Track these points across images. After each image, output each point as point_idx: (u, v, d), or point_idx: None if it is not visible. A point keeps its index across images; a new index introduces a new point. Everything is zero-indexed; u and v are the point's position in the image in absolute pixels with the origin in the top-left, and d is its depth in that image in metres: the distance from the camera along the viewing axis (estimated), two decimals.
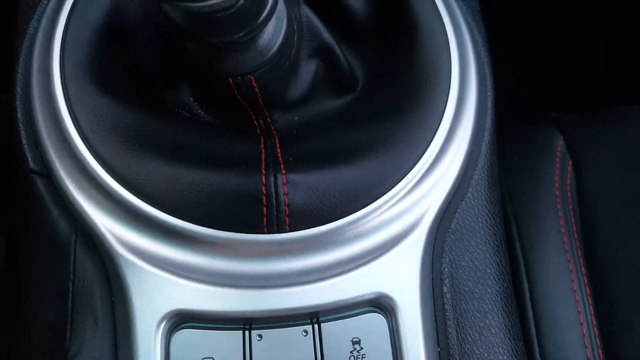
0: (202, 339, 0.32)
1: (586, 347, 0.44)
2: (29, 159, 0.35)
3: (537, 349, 0.44)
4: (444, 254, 0.36)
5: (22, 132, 0.36)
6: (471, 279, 0.36)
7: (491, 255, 0.37)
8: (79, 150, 0.34)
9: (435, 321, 0.34)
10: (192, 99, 0.39)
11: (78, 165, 0.34)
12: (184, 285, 0.32)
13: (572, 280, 0.46)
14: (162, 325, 0.32)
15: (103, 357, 0.32)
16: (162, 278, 0.32)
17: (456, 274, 0.36)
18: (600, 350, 0.44)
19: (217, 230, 0.33)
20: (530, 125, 0.56)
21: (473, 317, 0.35)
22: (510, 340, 0.35)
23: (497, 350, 0.35)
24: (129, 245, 0.33)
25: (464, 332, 0.35)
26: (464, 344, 0.34)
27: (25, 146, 0.35)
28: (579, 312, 0.45)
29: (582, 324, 0.45)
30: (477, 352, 0.34)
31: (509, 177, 0.51)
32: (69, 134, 0.34)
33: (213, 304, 0.32)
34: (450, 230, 0.37)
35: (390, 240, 0.34)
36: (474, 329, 0.35)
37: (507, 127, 0.55)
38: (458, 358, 0.34)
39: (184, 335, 0.32)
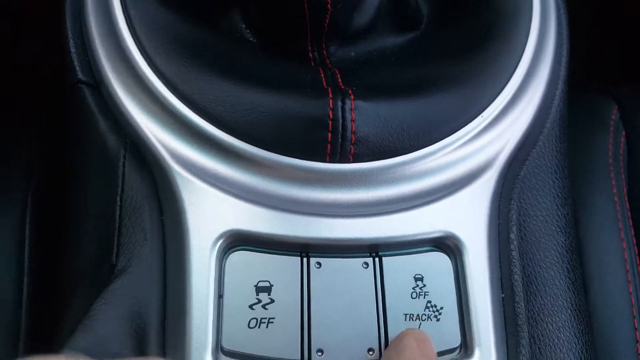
0: (259, 262, 0.30)
1: (634, 316, 0.42)
2: (77, 68, 0.33)
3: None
4: (512, 201, 0.34)
5: (71, 40, 0.34)
6: (538, 229, 0.34)
7: (559, 207, 0.35)
8: (134, 58, 0.32)
9: (500, 268, 0.32)
10: (244, 26, 0.36)
11: (132, 74, 0.32)
12: (241, 206, 0.30)
13: (624, 250, 0.44)
14: (218, 244, 0.30)
15: (152, 273, 0.30)
16: (219, 197, 0.30)
17: (524, 222, 0.34)
18: None
19: (277, 154, 0.31)
20: (584, 92, 0.54)
21: (539, 267, 0.33)
22: (573, 293, 0.34)
23: (561, 303, 0.33)
24: (184, 161, 0.31)
25: (529, 280, 0.33)
26: (529, 292, 0.33)
27: (74, 55, 0.33)
28: (629, 282, 0.43)
29: (631, 293, 0.43)
30: (541, 301, 0.33)
31: None
32: (124, 41, 0.32)
33: (271, 227, 0.30)
34: (519, 177, 0.35)
35: (459, 180, 0.33)
36: (539, 278, 0.33)
37: None
38: (523, 305, 0.32)
39: (240, 257, 0.30)
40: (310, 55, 0.36)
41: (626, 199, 0.47)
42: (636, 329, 0.42)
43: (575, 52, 0.44)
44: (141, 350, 0.29)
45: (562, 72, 0.38)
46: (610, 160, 0.49)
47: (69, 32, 0.34)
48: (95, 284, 0.30)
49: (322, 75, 0.33)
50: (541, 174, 0.35)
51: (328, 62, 0.36)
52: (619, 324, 0.42)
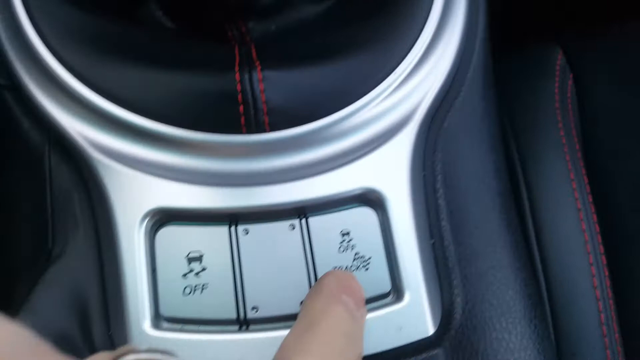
0: (188, 235, 0.31)
1: (589, 252, 0.43)
2: None
3: (538, 257, 0.43)
4: (436, 152, 0.35)
5: None
6: (466, 176, 0.35)
7: (486, 153, 0.36)
8: (43, 59, 0.32)
9: (429, 216, 0.33)
10: (161, 12, 0.37)
11: (45, 73, 0.33)
12: (164, 184, 0.31)
13: (574, 190, 0.45)
14: (145, 222, 0.31)
15: (87, 255, 0.31)
16: (140, 178, 0.31)
17: (450, 171, 0.35)
18: (603, 257, 0.43)
19: (194, 131, 0.31)
20: (528, 43, 0.54)
21: (468, 212, 0.34)
22: (508, 233, 0.34)
23: (495, 243, 0.34)
24: (103, 148, 0.32)
25: (459, 225, 0.34)
26: (459, 235, 0.33)
27: None
28: (582, 221, 0.44)
29: (584, 230, 0.43)
30: (474, 243, 0.33)
31: (508, 95, 0.50)
32: (31, 42, 0.33)
33: (195, 201, 0.31)
34: (443, 128, 0.35)
35: (379, 137, 0.33)
36: (470, 222, 0.34)
37: (505, 48, 0.54)
38: (453, 249, 0.33)
39: (169, 232, 0.31)
40: (230, 33, 0.37)
41: (575, 140, 0.48)
42: (593, 276, 0.42)
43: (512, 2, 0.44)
44: (85, 326, 0.30)
45: (481, 19, 0.38)
46: (557, 105, 0.49)
47: None
48: (34, 271, 0.31)
49: (237, 52, 0.34)
50: (466, 122, 0.36)
51: (247, 38, 0.37)
52: (574, 272, 0.42)
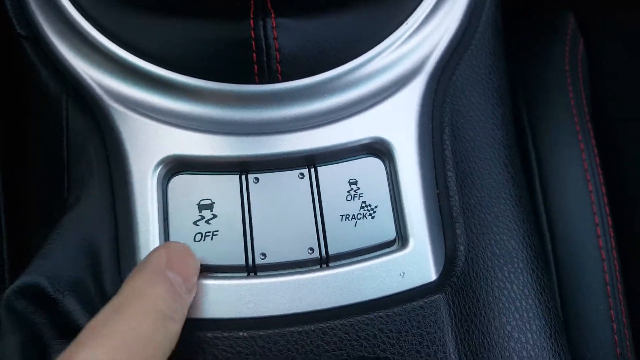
0: (199, 183, 0.32)
1: (595, 213, 0.43)
2: (15, 23, 0.35)
3: (544, 217, 0.43)
4: (444, 104, 0.35)
5: None
6: (473, 128, 0.35)
7: (494, 106, 0.36)
8: (64, 7, 0.33)
9: (435, 167, 0.34)
10: None
11: (64, 22, 0.33)
12: (177, 132, 0.32)
13: (582, 151, 0.45)
14: (158, 170, 0.32)
15: (101, 202, 0.32)
16: (155, 126, 0.32)
17: (457, 122, 0.35)
18: (609, 218, 0.43)
19: (207, 80, 0.32)
20: (541, 5, 0.54)
21: (474, 163, 0.34)
22: (513, 186, 0.35)
23: (499, 194, 0.34)
24: (119, 97, 0.32)
25: (465, 176, 0.34)
26: (464, 186, 0.34)
27: (10, 12, 0.35)
28: (588, 181, 0.44)
29: (591, 192, 0.44)
30: (477, 194, 0.34)
31: (519, 58, 0.50)
32: None
33: (208, 150, 0.32)
34: (452, 80, 0.36)
35: (388, 87, 0.34)
36: (475, 173, 0.34)
37: (519, 10, 0.53)
38: (457, 198, 0.33)
39: (181, 180, 0.32)
40: None
41: (584, 103, 0.48)
42: (599, 236, 0.43)
43: None
44: (97, 272, 0.31)
45: None
46: (567, 67, 0.49)
47: None
48: (50, 219, 0.32)
49: None
50: (474, 76, 0.36)
51: None
52: (580, 232, 0.43)
